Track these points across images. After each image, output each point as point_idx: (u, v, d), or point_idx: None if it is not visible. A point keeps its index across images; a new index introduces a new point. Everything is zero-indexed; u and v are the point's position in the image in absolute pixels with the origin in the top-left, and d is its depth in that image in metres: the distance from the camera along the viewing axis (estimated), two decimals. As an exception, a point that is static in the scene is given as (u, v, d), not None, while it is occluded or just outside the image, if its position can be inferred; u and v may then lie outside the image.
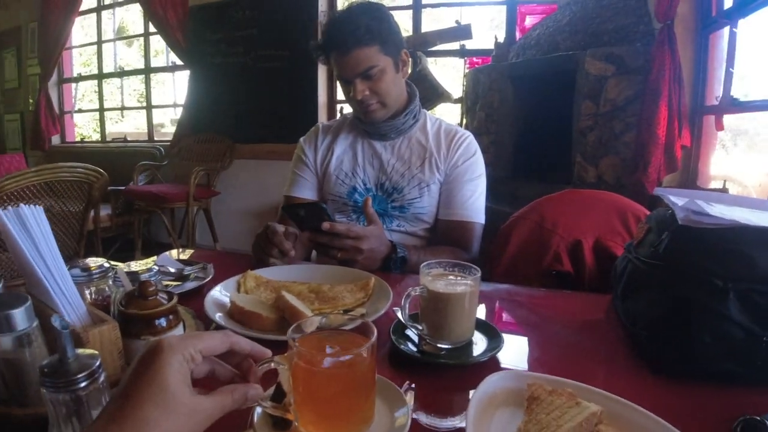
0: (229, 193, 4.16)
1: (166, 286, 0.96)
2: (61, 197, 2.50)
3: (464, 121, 3.34)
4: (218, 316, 0.81)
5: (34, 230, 0.67)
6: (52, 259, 0.68)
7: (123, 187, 3.82)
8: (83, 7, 5.05)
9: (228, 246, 4.13)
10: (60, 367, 0.46)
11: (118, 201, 3.94)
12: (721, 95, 2.20)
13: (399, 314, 0.77)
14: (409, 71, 1.46)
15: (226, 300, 0.88)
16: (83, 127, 7.48)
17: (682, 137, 2.22)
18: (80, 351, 0.48)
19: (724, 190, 2.05)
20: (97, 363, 0.47)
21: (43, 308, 0.65)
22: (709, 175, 2.41)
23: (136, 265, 0.79)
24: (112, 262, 0.82)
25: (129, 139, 5.19)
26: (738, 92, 2.16)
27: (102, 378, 0.47)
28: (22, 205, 0.67)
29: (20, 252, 0.65)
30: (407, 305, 0.74)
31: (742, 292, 0.70)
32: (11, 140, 5.76)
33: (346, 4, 1.38)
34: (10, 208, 0.66)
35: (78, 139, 5.82)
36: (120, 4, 5.23)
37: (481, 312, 0.80)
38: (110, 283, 0.77)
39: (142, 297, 0.66)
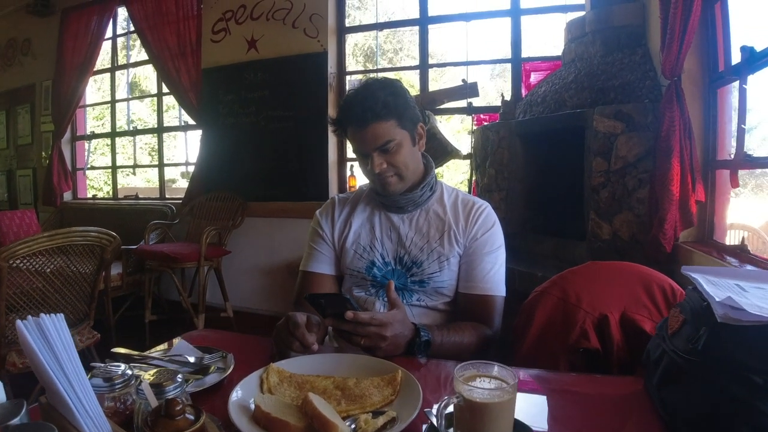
0: (240, 251, 4.16)
1: (187, 381, 0.94)
2: (72, 259, 2.50)
3: (474, 177, 3.36)
4: (244, 425, 0.78)
5: (54, 341, 0.65)
6: (74, 372, 0.66)
7: (134, 246, 3.82)
8: (97, 67, 5.18)
9: (238, 305, 4.09)
10: None
11: (129, 260, 3.94)
12: (734, 152, 2.19)
13: (433, 420, 0.74)
14: (424, 144, 1.47)
15: (250, 402, 0.85)
16: (94, 180, 7.59)
17: (696, 192, 2.20)
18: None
19: (743, 247, 2.01)
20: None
21: (66, 426, 0.64)
22: (724, 229, 2.38)
23: (159, 376, 0.76)
24: (135, 369, 0.80)
25: (140, 194, 5.24)
26: (749, 141, 2.14)
27: None
28: (42, 315, 0.66)
29: (41, 366, 0.64)
30: (443, 414, 0.72)
31: (781, 388, 0.69)
32: (23, 195, 5.83)
33: (363, 80, 1.41)
34: (30, 317, 0.65)
35: (90, 194, 5.88)
36: (134, 65, 5.39)
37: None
38: (133, 391, 0.74)
39: (169, 416, 0.64)
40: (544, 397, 1.00)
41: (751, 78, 2.05)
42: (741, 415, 0.70)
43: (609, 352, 1.25)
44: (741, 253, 1.96)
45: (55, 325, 0.67)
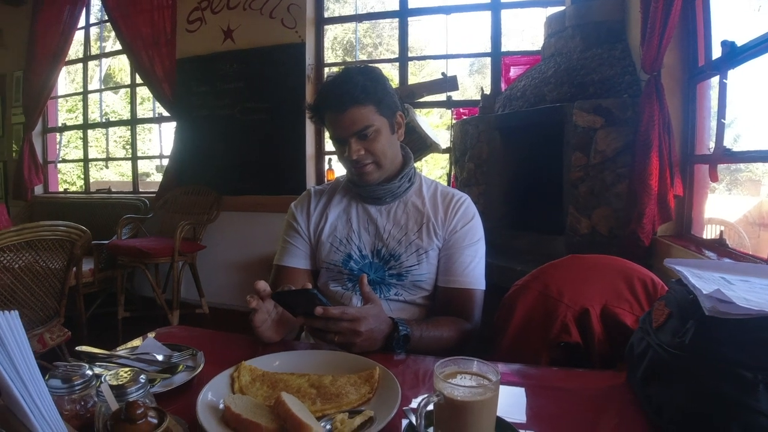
0: (215, 245, 4.08)
1: (154, 381, 0.89)
2: (42, 254, 2.42)
3: (453, 171, 3.34)
4: (213, 427, 0.74)
5: (8, 340, 0.61)
6: (28, 373, 0.62)
7: (106, 242, 3.71)
8: (69, 57, 5.03)
9: (214, 301, 4.01)
10: None
11: (101, 255, 3.83)
12: (713, 146, 2.20)
13: (413, 419, 0.71)
14: (403, 134, 1.43)
15: (220, 402, 0.81)
16: (67, 174, 7.41)
17: (674, 187, 2.21)
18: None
19: (721, 241, 2.02)
20: None
21: (21, 430, 0.59)
22: (702, 223, 2.40)
23: (122, 376, 0.71)
24: (96, 370, 0.75)
25: (113, 188, 5.10)
26: (728, 137, 2.14)
27: None
28: (-5, 310, 0.61)
29: (-6, 367, 0.59)
30: (423, 413, 0.68)
31: (771, 382, 0.67)
32: (-6, 189, 5.64)
33: (341, 68, 1.39)
34: (-19, 314, 0.61)
35: (61, 188, 5.71)
36: (107, 55, 5.24)
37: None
38: (94, 393, 0.70)
39: (130, 420, 0.59)
40: (522, 389, 0.98)
41: (731, 73, 2.05)
42: (731, 412, 0.68)
43: (590, 347, 1.23)
44: (719, 247, 1.96)
45: (9, 322, 0.62)
